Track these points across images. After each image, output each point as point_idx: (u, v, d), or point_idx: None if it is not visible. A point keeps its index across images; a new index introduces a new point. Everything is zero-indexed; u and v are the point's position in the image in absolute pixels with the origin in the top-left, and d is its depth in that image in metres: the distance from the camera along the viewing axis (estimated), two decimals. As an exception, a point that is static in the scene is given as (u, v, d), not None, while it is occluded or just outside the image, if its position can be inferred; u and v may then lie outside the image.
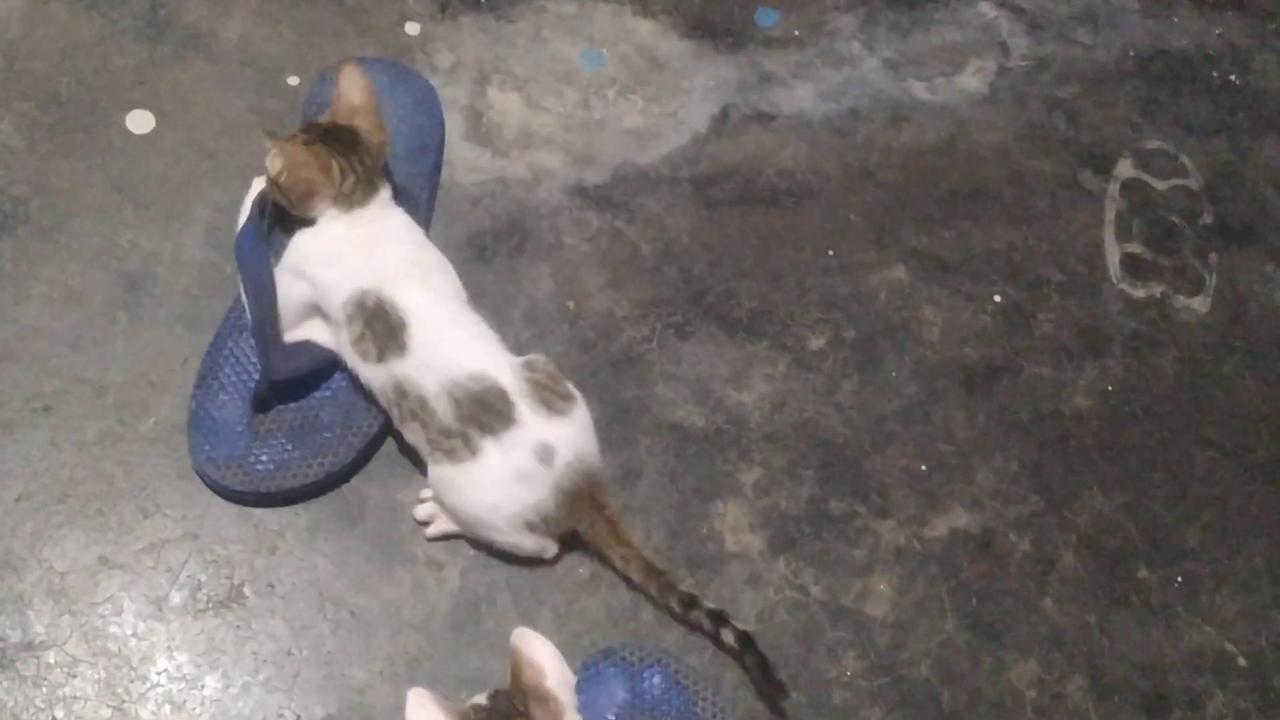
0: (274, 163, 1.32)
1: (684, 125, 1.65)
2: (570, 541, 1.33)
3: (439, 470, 1.28)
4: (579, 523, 1.29)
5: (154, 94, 1.55)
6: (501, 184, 1.56)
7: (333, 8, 1.66)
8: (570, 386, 1.31)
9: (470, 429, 1.25)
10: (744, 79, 1.70)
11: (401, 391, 1.28)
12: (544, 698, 1.08)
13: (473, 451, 1.25)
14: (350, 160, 1.33)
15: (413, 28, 1.66)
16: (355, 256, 1.32)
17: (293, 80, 1.58)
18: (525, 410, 1.27)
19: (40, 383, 1.36)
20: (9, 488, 1.31)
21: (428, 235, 1.43)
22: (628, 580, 1.30)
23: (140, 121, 1.53)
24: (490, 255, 1.50)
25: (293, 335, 1.34)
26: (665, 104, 1.66)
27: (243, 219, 1.40)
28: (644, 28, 1.72)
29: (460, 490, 1.28)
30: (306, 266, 1.33)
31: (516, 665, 1.10)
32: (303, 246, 1.34)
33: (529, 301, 1.49)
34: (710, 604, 1.26)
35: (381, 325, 1.28)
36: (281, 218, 1.37)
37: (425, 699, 1.08)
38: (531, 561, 1.33)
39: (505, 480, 1.26)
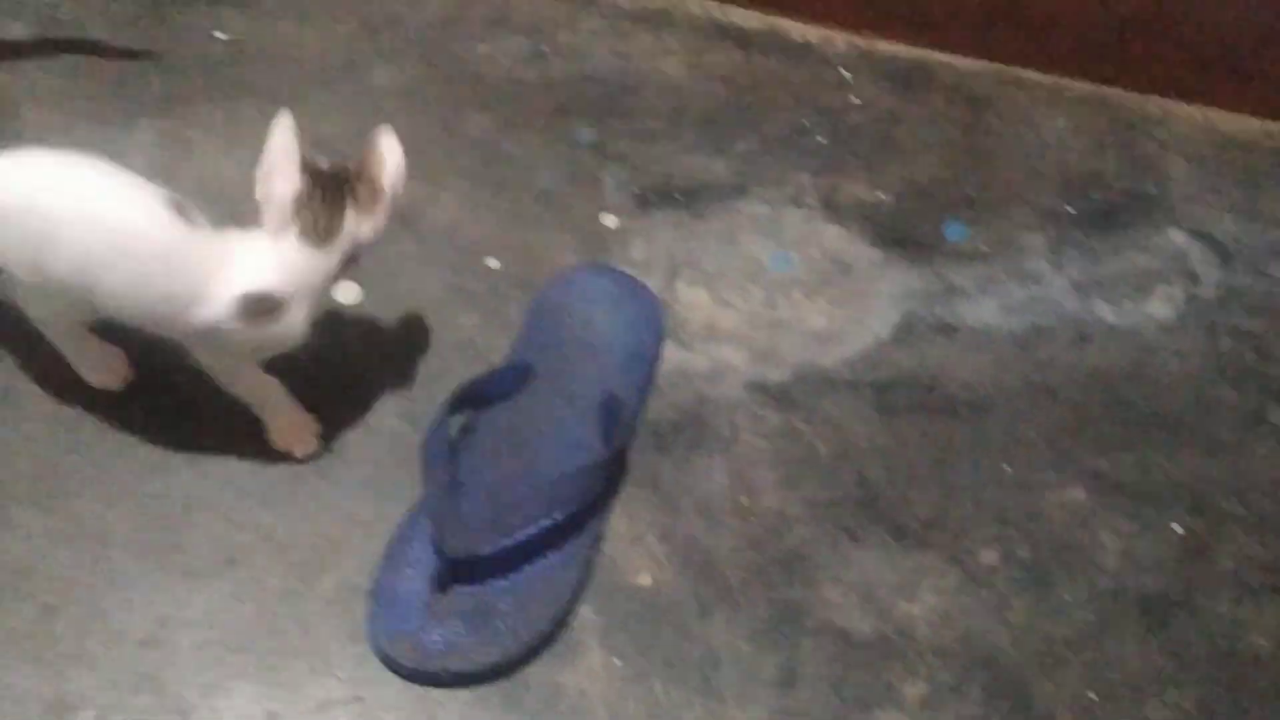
0: None
1: (867, 330, 1.67)
2: None
3: None
4: None
5: (363, 268, 1.61)
6: (683, 375, 1.59)
7: (535, 196, 1.73)
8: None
9: None
10: (929, 289, 1.72)
11: None
12: (373, 184, 1.29)
13: None
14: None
15: (610, 220, 1.71)
16: None
17: (492, 263, 1.65)
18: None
19: (229, 535, 1.41)
20: (189, 634, 1.34)
21: (632, 437, 1.51)
22: None
23: (347, 293, 1.59)
24: (668, 445, 1.52)
25: None
26: (850, 308, 1.69)
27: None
28: (833, 233, 1.76)
29: None
30: None
31: (367, 153, 1.29)
32: None
33: (702, 493, 1.50)
34: None
35: None
36: None
37: (289, 128, 1.25)
38: None
39: None
